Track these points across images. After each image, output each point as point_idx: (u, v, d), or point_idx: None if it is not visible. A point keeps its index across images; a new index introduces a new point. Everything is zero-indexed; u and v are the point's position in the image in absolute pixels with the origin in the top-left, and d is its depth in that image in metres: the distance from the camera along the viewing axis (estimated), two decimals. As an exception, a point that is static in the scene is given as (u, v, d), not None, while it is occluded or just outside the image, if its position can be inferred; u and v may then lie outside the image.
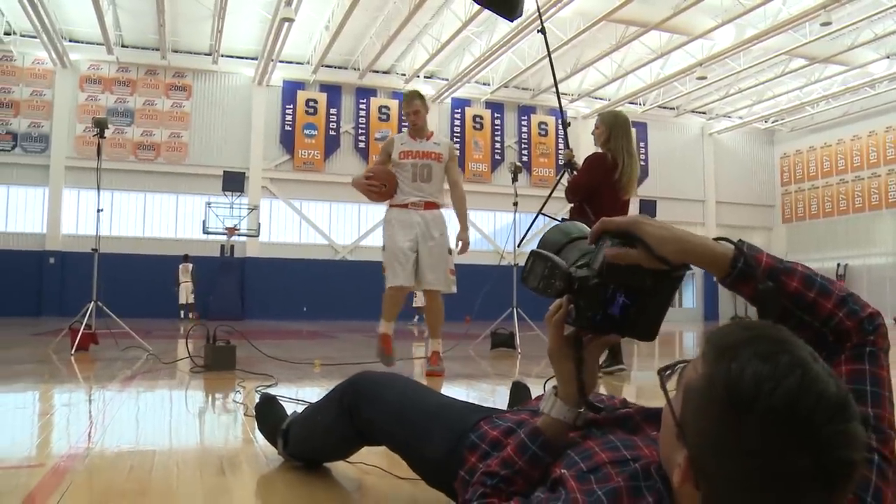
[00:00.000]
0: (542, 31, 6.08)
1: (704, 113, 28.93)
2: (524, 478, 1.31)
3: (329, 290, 23.51)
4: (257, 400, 2.65)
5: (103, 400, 4.06)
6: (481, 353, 7.93)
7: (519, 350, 8.08)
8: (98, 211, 8.48)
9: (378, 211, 24.72)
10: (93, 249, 8.13)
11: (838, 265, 28.29)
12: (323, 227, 24.77)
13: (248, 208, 22.70)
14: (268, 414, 2.58)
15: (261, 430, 2.58)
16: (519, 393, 2.72)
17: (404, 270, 5.63)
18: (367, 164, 24.78)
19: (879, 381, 1.13)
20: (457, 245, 5.92)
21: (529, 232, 4.60)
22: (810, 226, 29.91)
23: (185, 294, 21.40)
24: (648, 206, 26.17)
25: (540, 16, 6.10)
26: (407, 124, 5.96)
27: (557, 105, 6.26)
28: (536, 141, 27.24)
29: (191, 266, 21.52)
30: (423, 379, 5.35)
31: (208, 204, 21.89)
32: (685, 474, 0.95)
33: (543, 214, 6.12)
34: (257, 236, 22.96)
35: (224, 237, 21.77)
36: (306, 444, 2.28)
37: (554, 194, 5.88)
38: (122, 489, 2.11)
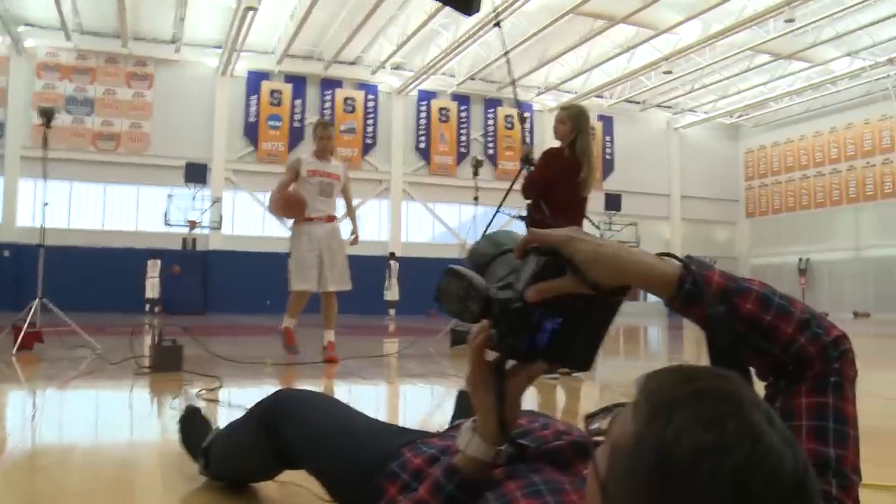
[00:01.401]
0: (498, 24, 6.01)
1: (670, 108, 29.10)
2: None
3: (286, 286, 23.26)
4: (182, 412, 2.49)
5: (31, 404, 3.92)
6: (442, 351, 7.85)
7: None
8: (44, 204, 8.20)
9: (343, 205, 24.68)
10: (37, 244, 7.87)
11: (800, 260, 28.65)
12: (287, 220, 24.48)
13: (211, 200, 22.37)
14: (190, 429, 2.41)
15: (183, 445, 2.41)
16: (465, 403, 2.54)
17: (310, 277, 6.46)
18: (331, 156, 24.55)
19: (844, 418, 0.98)
20: (350, 237, 6.92)
21: (491, 227, 4.53)
22: (773, 221, 30.25)
23: (152, 289, 21.10)
24: (614, 200, 26.29)
25: (497, 13, 6.02)
26: (318, 138, 6.78)
27: (524, 98, 6.16)
28: (502, 134, 27.18)
29: (159, 262, 21.24)
30: (321, 368, 5.61)
31: (170, 196, 21.56)
32: None
33: (502, 212, 6.25)
34: (220, 229, 22.67)
35: (186, 230, 21.45)
36: (225, 464, 2.12)
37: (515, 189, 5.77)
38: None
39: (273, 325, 7.19)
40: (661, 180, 29.27)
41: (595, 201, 25.92)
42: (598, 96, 26.48)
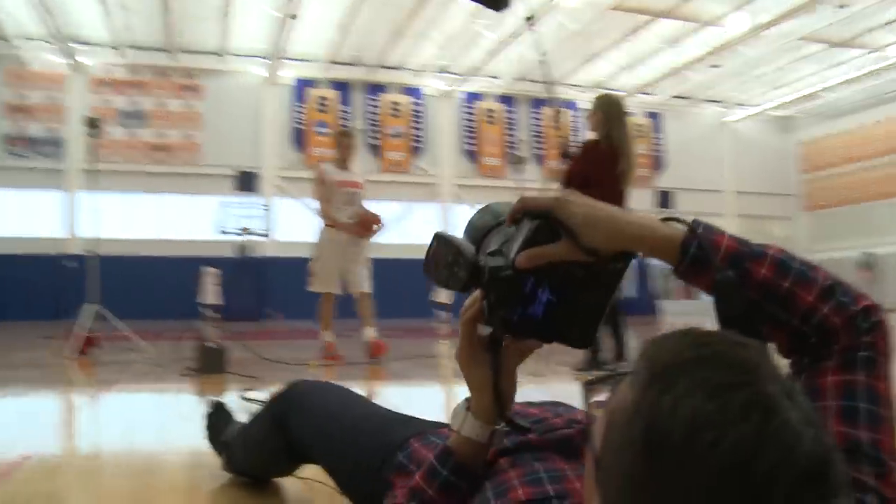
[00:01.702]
0: (530, 19, 6.00)
1: (720, 102, 28.53)
2: None
3: (407, 288, 23.35)
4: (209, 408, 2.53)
5: (77, 404, 4.00)
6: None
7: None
8: (95, 213, 8.58)
9: (393, 209, 24.81)
10: (89, 252, 8.18)
11: (866, 254, 27.81)
12: (337, 225, 24.63)
13: (262, 208, 22.64)
14: (215, 424, 2.41)
15: (209, 441, 2.43)
16: None
17: (332, 280, 6.97)
18: (380, 161, 24.73)
19: (877, 397, 0.87)
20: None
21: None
22: (833, 214, 29.41)
23: (208, 296, 21.36)
24: (665, 198, 25.95)
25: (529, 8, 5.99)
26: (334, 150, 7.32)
27: (571, 97, 6.11)
28: (550, 133, 26.98)
29: (214, 270, 21.48)
30: (367, 369, 5.72)
31: (222, 204, 21.88)
32: None
33: None
34: (272, 235, 22.93)
35: (238, 237, 21.75)
36: (243, 459, 2.11)
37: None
38: (43, 492, 2.03)
39: (341, 332, 7.34)
40: (713, 176, 28.72)
41: (646, 199, 25.78)
42: (645, 93, 26.13)
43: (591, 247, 0.93)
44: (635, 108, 27.32)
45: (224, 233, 21.77)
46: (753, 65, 24.27)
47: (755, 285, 0.92)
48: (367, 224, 6.95)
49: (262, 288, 22.52)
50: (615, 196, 5.38)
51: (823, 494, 0.60)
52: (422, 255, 1.10)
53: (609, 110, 5.48)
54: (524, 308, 0.99)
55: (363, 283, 7.01)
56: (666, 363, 0.67)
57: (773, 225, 30.33)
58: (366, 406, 1.71)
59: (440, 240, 1.09)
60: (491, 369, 1.08)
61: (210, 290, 21.37)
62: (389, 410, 1.70)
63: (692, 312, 26.51)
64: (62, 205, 22.07)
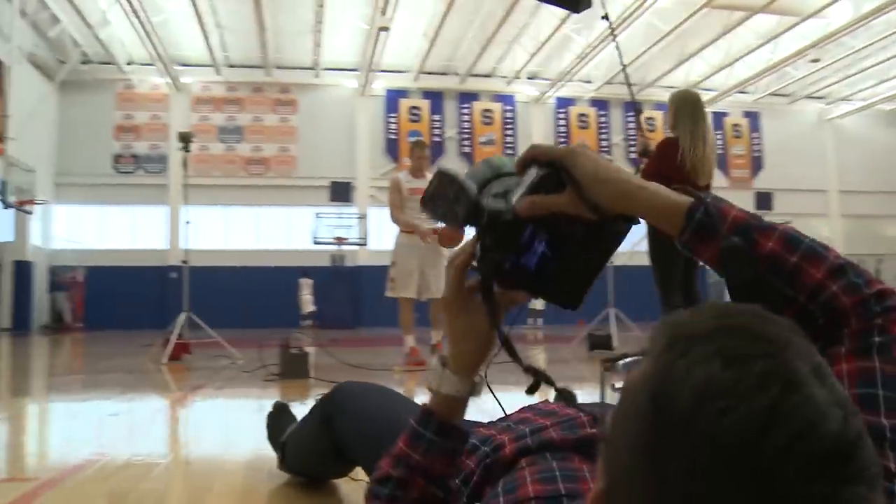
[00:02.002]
0: (606, 17, 5.92)
1: (822, 98, 27.46)
2: (424, 476, 1.07)
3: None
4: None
5: (157, 408, 4.27)
6: (579, 356, 7.75)
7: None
8: (186, 223, 8.97)
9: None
10: (182, 262, 8.58)
11: None
12: (431, 233, 24.79)
13: (357, 217, 23.01)
14: (275, 424, 2.44)
15: (269, 440, 2.46)
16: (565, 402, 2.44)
17: (411, 286, 7.04)
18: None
19: (895, 383, 0.81)
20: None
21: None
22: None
23: (305, 305, 22.04)
24: (765, 199, 25.17)
25: (603, 4, 5.89)
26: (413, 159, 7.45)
27: (663, 98, 6.00)
28: (647, 137, 26.49)
29: (311, 281, 22.12)
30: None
31: (317, 215, 22.35)
32: None
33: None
34: (366, 245, 23.26)
35: (334, 247, 22.15)
36: (296, 458, 2.13)
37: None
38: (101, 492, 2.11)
39: (420, 337, 7.56)
40: (815, 175, 27.62)
41: (745, 200, 25.04)
42: (741, 92, 25.38)
43: (596, 202, 0.91)
44: (732, 107, 26.65)
45: (319, 243, 22.33)
46: (858, 57, 23.28)
47: (762, 258, 0.88)
48: (447, 239, 6.79)
49: (356, 296, 22.86)
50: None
51: (844, 478, 0.53)
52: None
53: (678, 106, 5.33)
54: (518, 257, 0.97)
55: (439, 290, 6.90)
56: (685, 332, 0.61)
57: (884, 225, 28.92)
58: (406, 407, 1.68)
59: (443, 176, 1.04)
60: (486, 311, 1.04)
61: (304, 299, 22.07)
62: None
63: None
64: (166, 218, 22.87)
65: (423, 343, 7.46)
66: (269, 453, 2.54)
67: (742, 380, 0.55)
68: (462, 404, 1.10)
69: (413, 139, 8.00)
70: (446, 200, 1.02)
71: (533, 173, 0.97)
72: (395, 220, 7.28)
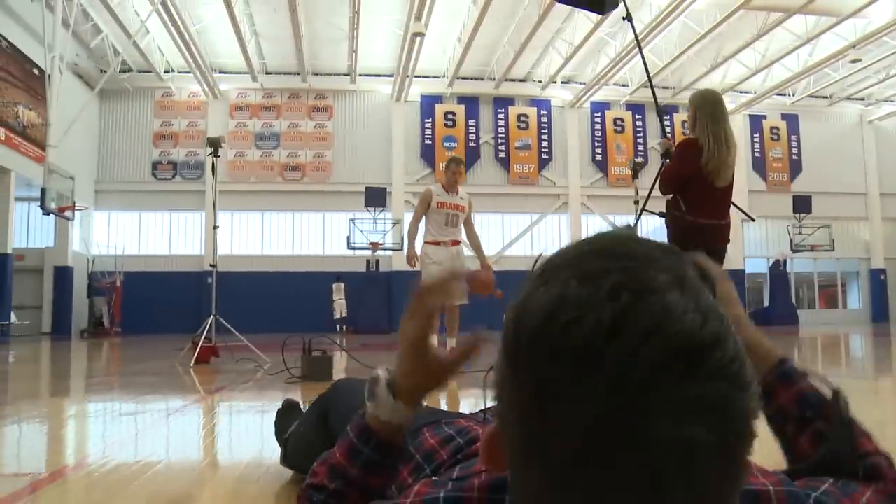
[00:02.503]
0: (628, 17, 5.84)
1: (862, 99, 27.05)
2: (360, 490, 1.05)
3: (475, 301, 23.33)
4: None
5: (174, 408, 4.36)
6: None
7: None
8: (215, 227, 9.21)
9: (521, 221, 24.87)
10: (211, 266, 8.92)
11: None
12: (466, 238, 24.67)
13: (392, 222, 23.07)
14: (282, 421, 2.46)
15: (276, 437, 2.47)
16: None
17: None
18: (508, 174, 24.83)
19: None
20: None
21: (639, 226, 4.34)
22: None
23: (340, 310, 22.14)
24: (803, 202, 24.80)
25: (626, 4, 5.82)
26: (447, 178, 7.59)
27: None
28: (680, 140, 26.24)
29: (343, 285, 22.22)
30: (477, 378, 5.77)
31: (352, 220, 22.45)
32: (483, 449, 0.66)
33: (647, 211, 5.97)
34: (402, 250, 23.23)
35: (369, 252, 22.24)
36: (296, 454, 2.13)
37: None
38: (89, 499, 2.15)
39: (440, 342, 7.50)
40: (855, 178, 27.19)
41: (783, 204, 24.75)
42: (779, 94, 25.10)
43: None
44: (769, 110, 26.33)
45: (353, 248, 22.43)
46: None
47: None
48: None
49: (390, 301, 22.89)
50: (713, 195, 5.03)
51: (697, 376, 0.52)
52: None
53: (698, 105, 5.12)
54: None
55: (462, 297, 7.19)
56: (554, 261, 0.61)
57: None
58: None
59: None
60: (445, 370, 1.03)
61: (337, 304, 22.16)
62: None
63: (835, 322, 25.24)
64: (203, 224, 23.08)
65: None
66: (272, 453, 2.55)
67: (593, 293, 0.54)
68: (402, 429, 1.07)
69: (450, 155, 8.13)
70: None
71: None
72: (409, 227, 7.74)
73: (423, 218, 7.61)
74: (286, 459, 2.22)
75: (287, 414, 2.51)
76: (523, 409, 0.56)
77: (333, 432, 1.72)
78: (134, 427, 3.76)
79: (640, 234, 0.64)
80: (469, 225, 7.82)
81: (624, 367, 0.51)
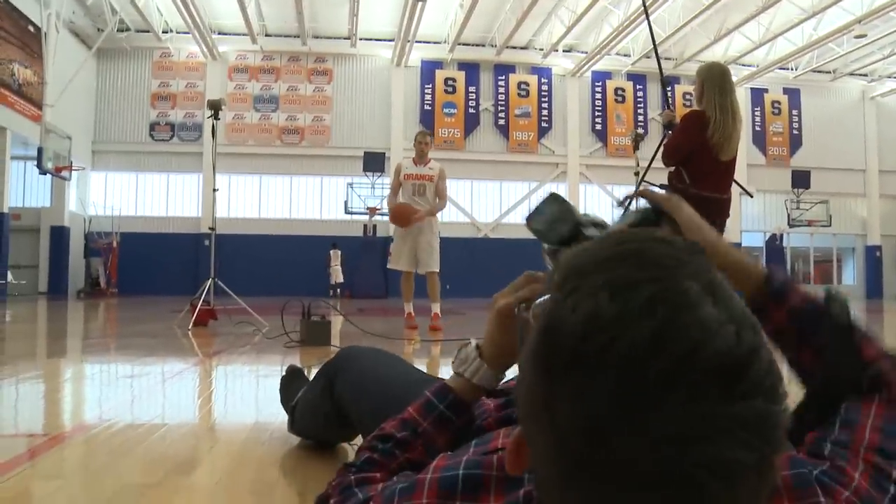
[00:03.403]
0: None
1: (865, 75, 26.86)
2: (426, 442, 1.10)
3: (472, 268, 23.35)
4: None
5: (171, 372, 4.39)
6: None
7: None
8: (214, 190, 9.28)
9: (519, 189, 24.76)
10: (210, 228, 8.95)
11: None
12: (464, 205, 24.74)
13: (390, 188, 22.88)
14: (288, 387, 2.47)
15: (282, 404, 2.48)
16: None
17: (401, 260, 7.85)
18: (507, 142, 24.72)
19: None
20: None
21: (635, 199, 4.36)
22: None
23: (335, 277, 22.19)
24: (802, 177, 24.78)
25: None
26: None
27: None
28: (681, 112, 26.04)
29: (339, 252, 22.24)
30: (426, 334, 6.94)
31: (350, 185, 22.37)
32: (508, 454, 0.66)
33: (647, 182, 5.93)
34: (399, 215, 23.16)
35: (366, 217, 22.19)
36: (303, 422, 2.16)
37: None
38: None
39: (450, 308, 7.66)
40: (855, 154, 27.10)
41: (781, 178, 24.72)
42: (782, 68, 24.92)
43: None
44: (771, 83, 26.15)
45: (351, 213, 22.38)
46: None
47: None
48: (397, 215, 7.76)
49: (387, 267, 22.79)
50: (717, 168, 5.02)
51: (735, 395, 0.52)
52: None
53: (704, 78, 5.06)
54: None
55: (431, 264, 7.87)
56: (577, 266, 0.60)
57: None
58: (403, 369, 1.73)
59: (555, 198, 1.09)
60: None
61: (333, 270, 22.23)
62: (426, 374, 1.73)
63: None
64: (201, 186, 22.98)
65: (423, 312, 8.07)
66: (274, 417, 2.54)
67: (628, 309, 0.54)
68: (481, 393, 1.14)
69: (449, 121, 8.50)
70: (549, 219, 1.06)
71: (633, 211, 1.06)
72: (388, 202, 8.13)
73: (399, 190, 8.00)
74: (293, 426, 2.24)
75: (292, 380, 2.53)
76: (555, 425, 0.56)
77: (341, 399, 1.76)
78: (135, 389, 3.76)
79: (660, 231, 0.66)
80: (440, 193, 8.05)
81: (663, 390, 0.51)
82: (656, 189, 1.00)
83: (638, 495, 0.53)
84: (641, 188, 1.05)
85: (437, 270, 7.96)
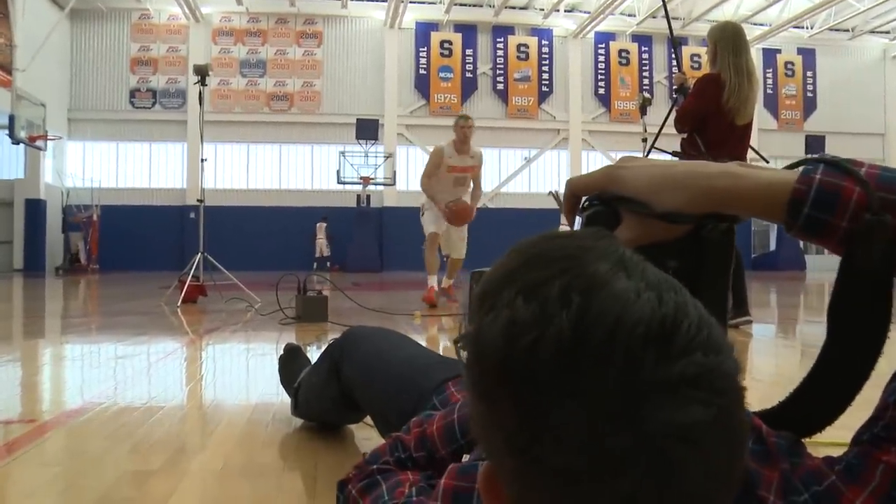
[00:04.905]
0: None
1: (887, 33, 25.72)
2: (440, 467, 1.02)
3: (470, 239, 22.61)
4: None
5: (164, 351, 4.28)
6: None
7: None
8: (202, 160, 8.77)
9: (519, 157, 23.89)
10: (198, 201, 8.51)
11: None
12: (461, 175, 23.90)
13: (384, 156, 22.08)
14: (288, 368, 2.44)
15: (282, 385, 2.49)
16: None
17: (440, 225, 7.70)
18: (506, 107, 23.94)
19: None
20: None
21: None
22: None
23: (321, 249, 21.62)
24: (817, 142, 23.76)
25: None
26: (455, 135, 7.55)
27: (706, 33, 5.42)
28: (689, 75, 24.97)
29: (325, 225, 21.75)
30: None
31: (342, 153, 21.47)
32: (483, 493, 0.60)
33: (657, 149, 5.73)
34: (394, 185, 22.37)
35: (360, 187, 21.32)
36: (307, 404, 2.15)
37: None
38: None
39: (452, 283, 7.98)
40: (874, 117, 26.08)
41: (795, 144, 23.66)
42: (797, 27, 23.93)
43: (669, 211, 0.73)
44: (785, 44, 25.14)
45: (343, 183, 21.48)
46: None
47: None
48: (460, 216, 7.59)
49: (382, 238, 22.08)
50: (733, 133, 4.93)
51: (672, 355, 0.49)
52: (549, 205, 0.54)
53: (717, 38, 4.96)
54: None
55: (462, 251, 8.02)
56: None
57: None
58: (413, 351, 1.74)
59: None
60: None
61: (318, 243, 21.80)
62: (437, 355, 1.71)
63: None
64: (185, 156, 22.14)
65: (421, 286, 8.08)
66: (275, 398, 2.61)
67: (543, 307, 0.51)
68: None
69: (445, 86, 8.13)
70: None
71: (583, 215, 0.80)
72: (424, 186, 7.61)
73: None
74: (297, 409, 2.22)
75: (291, 359, 2.49)
76: (512, 442, 0.53)
77: (348, 383, 1.79)
78: (126, 371, 3.66)
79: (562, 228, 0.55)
80: (476, 181, 7.90)
81: (599, 374, 0.49)
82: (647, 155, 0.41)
83: (609, 485, 0.50)
84: (568, 183, 0.46)
85: (464, 258, 8.06)
